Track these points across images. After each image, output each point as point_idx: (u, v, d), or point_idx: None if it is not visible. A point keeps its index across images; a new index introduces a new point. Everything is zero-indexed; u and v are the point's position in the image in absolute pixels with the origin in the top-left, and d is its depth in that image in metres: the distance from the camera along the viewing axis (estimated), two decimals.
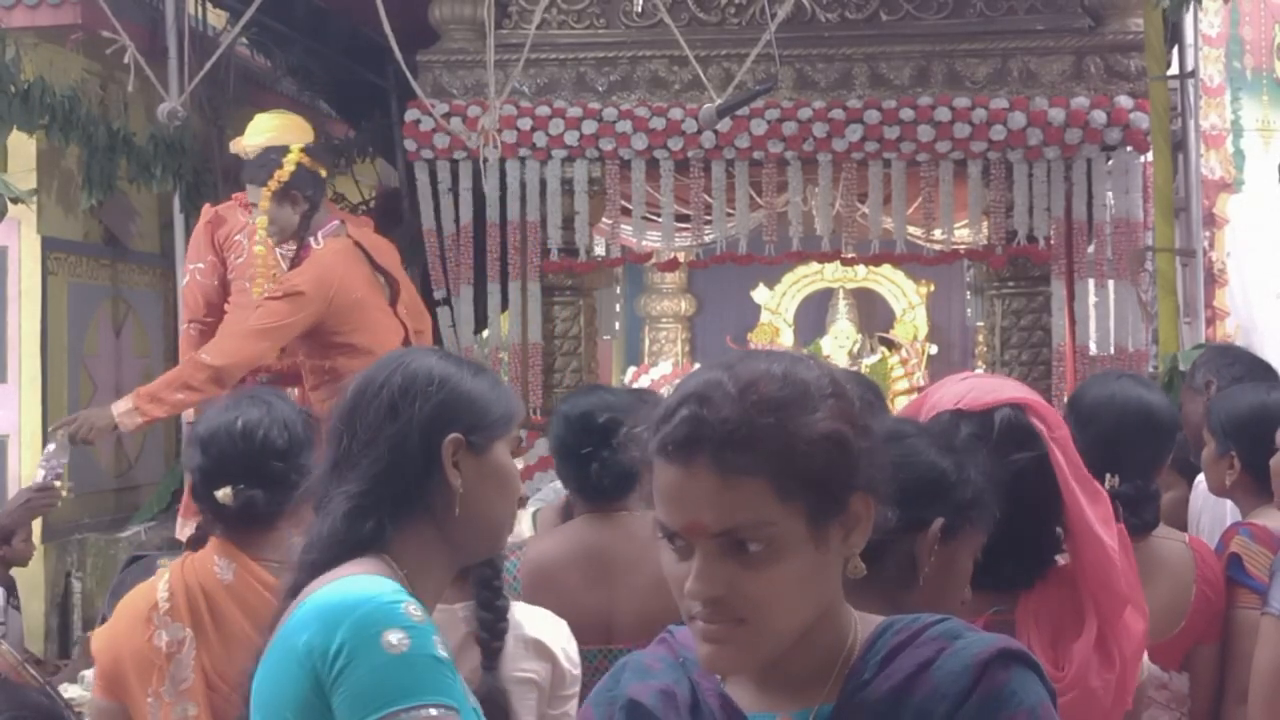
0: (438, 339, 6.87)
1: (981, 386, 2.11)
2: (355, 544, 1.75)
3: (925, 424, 1.96)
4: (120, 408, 4.45)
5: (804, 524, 1.32)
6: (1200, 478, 3.65)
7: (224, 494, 2.52)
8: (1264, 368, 3.76)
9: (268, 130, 5.04)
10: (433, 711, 1.63)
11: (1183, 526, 3.74)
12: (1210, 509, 3.56)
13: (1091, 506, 2.07)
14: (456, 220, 6.33)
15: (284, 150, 4.75)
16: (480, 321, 6.53)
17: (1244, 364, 3.77)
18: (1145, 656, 2.22)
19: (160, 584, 2.54)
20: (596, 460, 2.85)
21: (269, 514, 2.54)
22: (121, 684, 2.51)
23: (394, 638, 1.65)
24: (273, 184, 4.71)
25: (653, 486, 1.37)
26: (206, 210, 5.27)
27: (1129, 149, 6.05)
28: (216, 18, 7.14)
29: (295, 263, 4.86)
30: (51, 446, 4.26)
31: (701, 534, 1.31)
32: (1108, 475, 2.72)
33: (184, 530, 4.69)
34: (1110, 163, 6.15)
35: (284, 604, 1.77)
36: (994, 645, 1.37)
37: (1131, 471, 2.74)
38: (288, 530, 2.56)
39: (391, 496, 1.77)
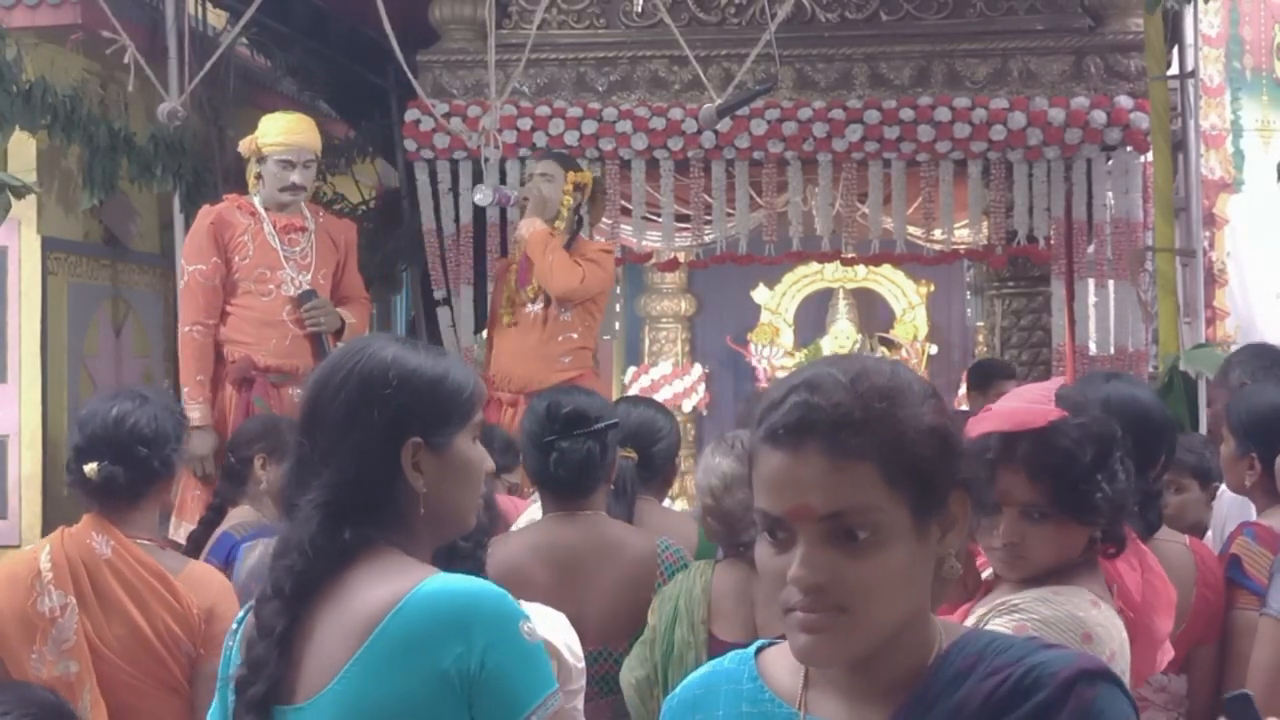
0: (436, 339, 6.88)
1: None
2: (342, 551, 1.74)
3: None
4: (529, 223, 5.34)
5: (908, 514, 1.33)
6: (1224, 487, 3.62)
7: (90, 468, 2.83)
8: None
9: (295, 131, 5.29)
10: (556, 696, 1.72)
11: (1195, 529, 3.71)
12: (1235, 518, 3.51)
13: None
14: (456, 220, 6.33)
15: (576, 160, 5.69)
16: (480, 321, 6.52)
17: None
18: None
19: (42, 555, 2.83)
20: (556, 450, 2.88)
21: (129, 491, 2.85)
22: (2, 642, 2.79)
23: (527, 627, 1.70)
24: (576, 177, 5.46)
25: (754, 477, 1.37)
26: (207, 211, 5.28)
27: (1129, 149, 6.06)
28: (216, 18, 7.13)
29: (571, 246, 5.40)
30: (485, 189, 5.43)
31: (808, 518, 1.32)
32: None
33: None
34: (1110, 163, 6.15)
35: (271, 612, 1.74)
36: (1077, 662, 1.36)
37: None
38: (155, 511, 2.92)
39: (359, 504, 1.76)
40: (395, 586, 1.70)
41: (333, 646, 1.70)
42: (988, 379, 6.39)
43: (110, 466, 2.82)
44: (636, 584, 2.88)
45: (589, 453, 2.90)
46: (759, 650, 1.49)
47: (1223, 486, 3.63)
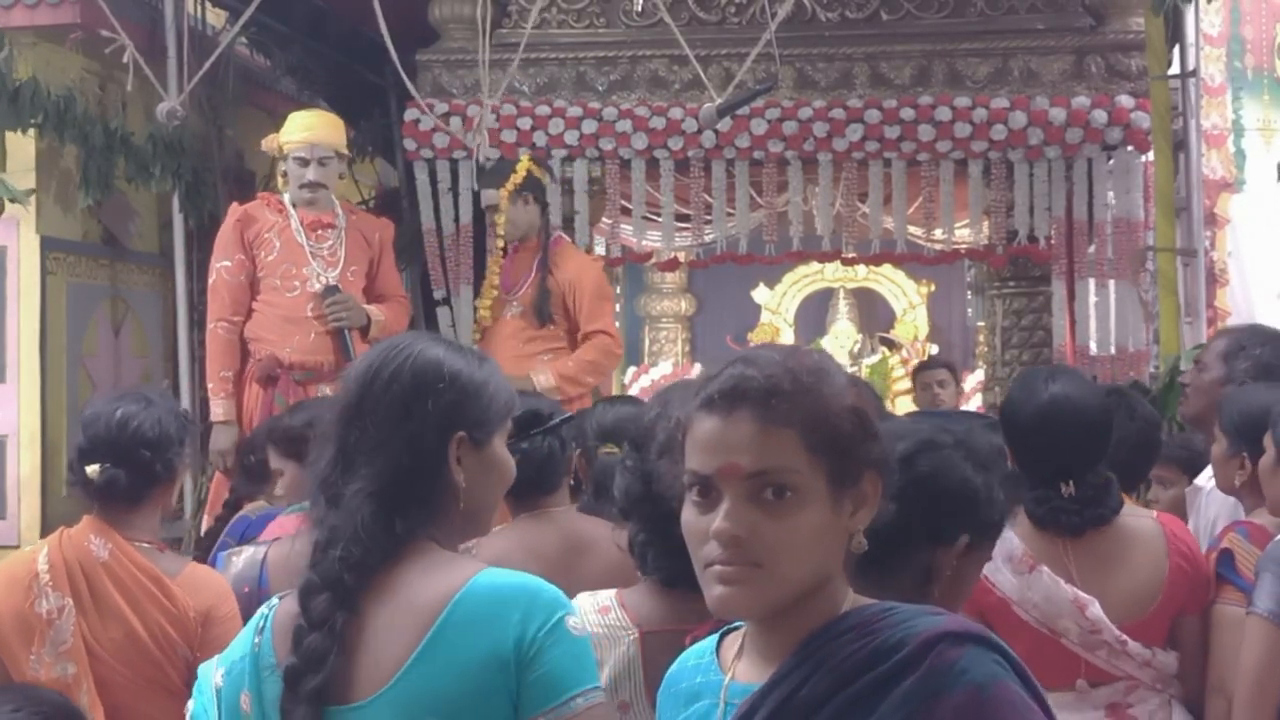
0: None
1: None
2: (392, 545, 1.78)
3: (962, 435, 1.93)
4: (543, 380, 5.22)
5: (825, 483, 1.46)
6: (1202, 480, 3.63)
7: (93, 470, 2.83)
8: None
9: (310, 128, 5.34)
10: (601, 694, 1.77)
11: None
12: (1224, 516, 3.50)
13: None
14: (456, 220, 6.32)
15: (516, 160, 5.59)
16: (477, 322, 6.51)
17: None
18: None
19: (40, 556, 2.83)
20: (518, 453, 2.91)
21: (130, 494, 2.85)
22: (2, 643, 2.78)
23: (574, 622, 1.76)
24: (508, 186, 5.41)
25: (687, 442, 1.49)
26: (235, 209, 5.33)
27: (1130, 148, 6.04)
28: (216, 17, 7.12)
29: (547, 254, 5.43)
30: None
31: (735, 475, 1.44)
32: (1062, 484, 2.73)
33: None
34: (1111, 162, 6.14)
35: (326, 604, 1.74)
36: (944, 625, 1.43)
37: (1082, 472, 2.75)
38: (156, 513, 2.91)
39: (408, 494, 1.81)
40: (452, 578, 1.75)
41: (391, 642, 1.73)
42: (923, 368, 7.10)
43: (112, 469, 2.83)
44: (624, 576, 2.91)
45: (550, 450, 2.97)
46: (726, 633, 1.63)
47: (1201, 481, 3.63)
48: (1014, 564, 2.72)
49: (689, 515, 1.48)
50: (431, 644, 1.71)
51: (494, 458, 1.90)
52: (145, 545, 2.88)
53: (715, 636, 1.62)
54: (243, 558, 3.08)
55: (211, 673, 1.84)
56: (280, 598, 1.85)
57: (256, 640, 1.81)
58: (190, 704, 1.87)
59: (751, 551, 1.43)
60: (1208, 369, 3.69)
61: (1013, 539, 2.72)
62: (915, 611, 1.46)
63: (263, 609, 1.86)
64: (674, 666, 1.66)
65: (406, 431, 1.81)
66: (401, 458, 1.80)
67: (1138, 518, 2.85)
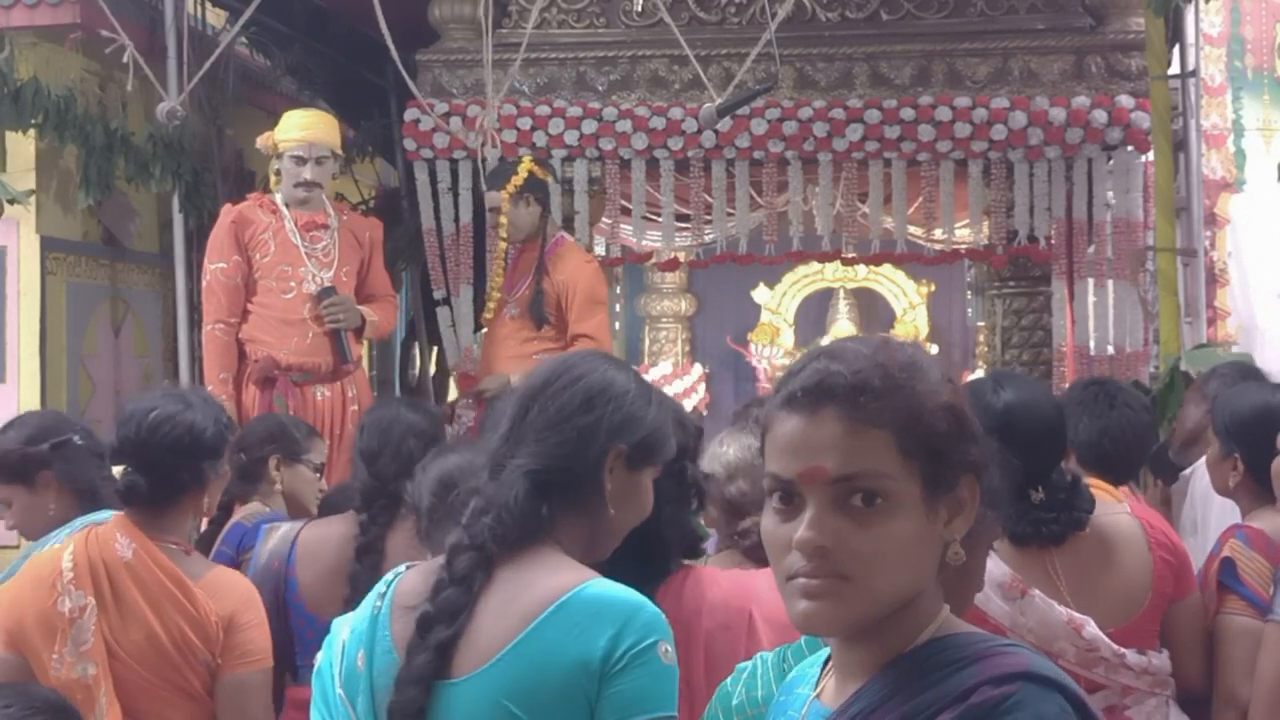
0: (436, 339, 6.87)
1: None
2: (534, 527, 1.87)
3: None
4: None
5: (919, 489, 1.34)
6: (1196, 470, 3.66)
7: (117, 472, 2.81)
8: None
9: (307, 127, 5.32)
10: None
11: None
12: (1218, 502, 3.51)
13: None
14: (456, 220, 6.32)
15: (518, 160, 5.52)
16: (480, 321, 6.52)
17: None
18: None
19: (65, 554, 2.76)
20: None
21: (153, 499, 2.77)
22: (25, 641, 2.73)
23: (666, 648, 1.80)
24: (509, 188, 5.33)
25: (767, 443, 1.39)
26: (229, 210, 5.31)
27: (1130, 148, 6.04)
28: (216, 17, 7.13)
29: (546, 256, 5.39)
30: None
31: (820, 480, 1.32)
32: (1032, 491, 2.68)
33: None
34: (1111, 162, 6.14)
35: (469, 563, 1.83)
36: (992, 668, 1.31)
37: (1047, 475, 2.69)
38: (186, 516, 2.85)
39: (563, 481, 1.89)
40: (564, 579, 1.82)
41: (495, 629, 1.81)
42: None
43: (133, 475, 2.76)
44: None
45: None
46: None
47: (1197, 472, 3.66)
48: (1004, 591, 2.66)
49: (769, 524, 1.36)
50: (529, 638, 1.78)
51: (640, 485, 1.98)
52: (172, 547, 2.80)
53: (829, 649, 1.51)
54: (278, 534, 3.06)
55: (341, 627, 1.92)
56: (407, 567, 1.94)
57: (378, 605, 1.89)
58: (319, 656, 1.93)
59: (838, 563, 1.31)
60: (1186, 402, 3.99)
61: (999, 565, 2.69)
62: (994, 648, 1.34)
63: (387, 575, 1.94)
64: (795, 672, 1.56)
65: (580, 423, 1.91)
66: (567, 445, 1.90)
67: (1113, 515, 2.79)
